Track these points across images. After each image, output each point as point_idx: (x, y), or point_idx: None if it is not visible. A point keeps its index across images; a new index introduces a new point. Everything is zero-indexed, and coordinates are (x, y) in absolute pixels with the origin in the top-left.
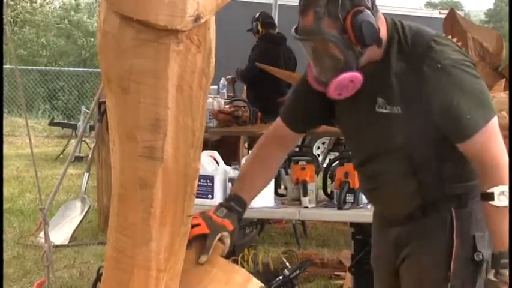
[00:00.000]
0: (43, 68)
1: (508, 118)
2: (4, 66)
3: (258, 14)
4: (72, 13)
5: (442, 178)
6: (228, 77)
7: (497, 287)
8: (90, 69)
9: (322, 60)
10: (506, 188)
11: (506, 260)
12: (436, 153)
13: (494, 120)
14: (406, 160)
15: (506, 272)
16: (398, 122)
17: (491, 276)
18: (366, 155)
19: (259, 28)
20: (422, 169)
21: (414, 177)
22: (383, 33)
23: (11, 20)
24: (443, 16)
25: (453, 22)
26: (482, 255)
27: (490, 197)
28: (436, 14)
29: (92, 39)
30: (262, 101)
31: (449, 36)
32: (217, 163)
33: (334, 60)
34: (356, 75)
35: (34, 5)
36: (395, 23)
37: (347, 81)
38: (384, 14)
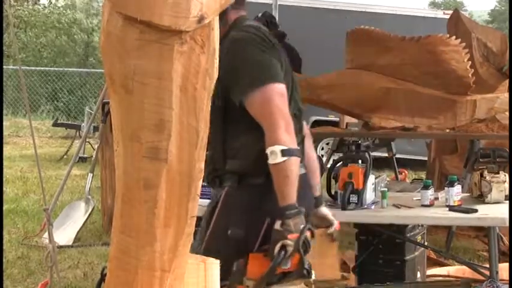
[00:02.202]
0: (45, 68)
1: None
2: (7, 67)
3: (260, 14)
4: (68, 11)
5: (225, 150)
6: None
7: (283, 236)
8: (92, 70)
9: None
10: (276, 148)
11: (292, 211)
12: (221, 124)
13: (274, 87)
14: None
15: (291, 222)
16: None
17: (277, 227)
18: None
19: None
20: (213, 136)
21: (211, 140)
22: (231, 18)
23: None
24: (448, 16)
25: (457, 22)
26: (236, 235)
27: (267, 156)
28: (440, 14)
29: (87, 37)
30: None
31: (453, 37)
32: None
33: None
34: None
35: (35, 6)
36: (244, 19)
37: None
38: (388, 15)
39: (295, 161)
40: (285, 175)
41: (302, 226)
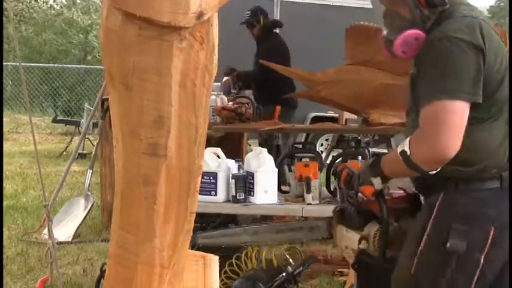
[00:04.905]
0: (46, 65)
1: None
2: (7, 63)
3: (256, 7)
4: (65, 11)
5: None
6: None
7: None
8: (92, 66)
9: (392, 19)
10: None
11: (375, 166)
12: None
13: (448, 104)
14: (415, 122)
15: (369, 170)
16: (411, 82)
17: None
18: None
19: (262, 21)
20: None
21: None
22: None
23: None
24: None
25: None
26: (454, 246)
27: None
28: None
29: (83, 36)
30: (279, 96)
31: None
32: (221, 160)
33: (403, 20)
34: (420, 33)
35: (33, 3)
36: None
37: (411, 38)
38: None
39: (402, 168)
40: (397, 164)
41: (364, 174)
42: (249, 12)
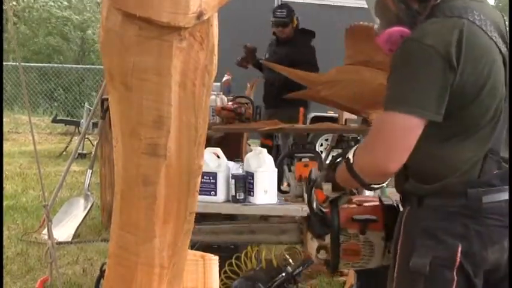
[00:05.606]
0: (45, 65)
1: None
2: (7, 63)
3: (287, 5)
4: (57, 11)
5: (407, 171)
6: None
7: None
8: (91, 66)
9: (381, 11)
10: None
11: (329, 173)
12: None
13: (401, 118)
14: None
15: (325, 173)
16: None
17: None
18: None
19: (295, 21)
20: None
21: None
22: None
23: (14, 15)
24: None
25: None
26: (416, 265)
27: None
28: None
29: (80, 33)
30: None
31: None
32: (220, 160)
33: (391, 13)
34: (405, 31)
35: (29, 2)
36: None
37: (397, 35)
38: None
39: (348, 176)
40: (344, 172)
41: (319, 178)
42: (284, 10)
